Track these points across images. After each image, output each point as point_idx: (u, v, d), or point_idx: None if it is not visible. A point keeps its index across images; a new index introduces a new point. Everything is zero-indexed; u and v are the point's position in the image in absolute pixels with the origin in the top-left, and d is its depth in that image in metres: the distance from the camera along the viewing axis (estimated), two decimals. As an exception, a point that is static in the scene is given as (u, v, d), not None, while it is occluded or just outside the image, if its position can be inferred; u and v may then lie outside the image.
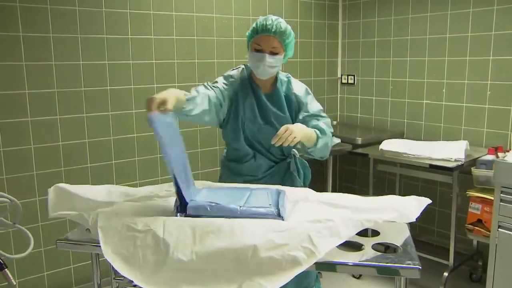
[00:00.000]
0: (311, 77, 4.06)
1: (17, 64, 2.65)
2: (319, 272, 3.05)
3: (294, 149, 2.10)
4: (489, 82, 3.16)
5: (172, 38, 3.20)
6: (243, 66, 2.11)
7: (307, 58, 4.00)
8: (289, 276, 1.24)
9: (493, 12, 3.07)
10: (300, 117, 2.01)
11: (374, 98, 3.99)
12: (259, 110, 2.03)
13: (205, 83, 2.02)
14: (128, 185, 2.32)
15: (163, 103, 1.58)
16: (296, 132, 1.75)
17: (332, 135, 2.03)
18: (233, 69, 2.12)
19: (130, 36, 3.02)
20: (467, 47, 3.25)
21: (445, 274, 2.92)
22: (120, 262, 1.35)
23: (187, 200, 1.52)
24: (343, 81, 4.23)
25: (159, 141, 1.51)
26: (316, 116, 2.01)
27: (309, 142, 1.89)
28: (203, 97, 1.89)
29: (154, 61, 3.14)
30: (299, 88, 2.08)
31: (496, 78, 3.12)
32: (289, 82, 2.08)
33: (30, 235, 2.01)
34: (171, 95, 1.65)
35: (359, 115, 4.14)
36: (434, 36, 3.45)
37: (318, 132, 1.90)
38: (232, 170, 2.13)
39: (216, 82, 2.04)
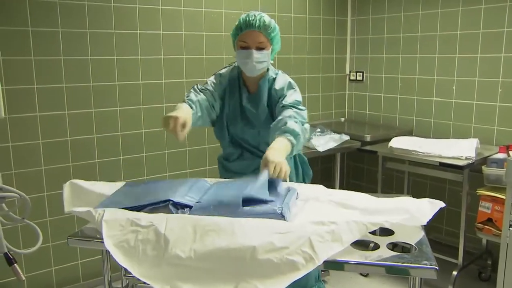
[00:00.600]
0: (319, 74, 4.03)
1: (26, 59, 2.64)
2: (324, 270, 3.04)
3: None
4: (500, 79, 3.12)
5: (180, 33, 3.18)
6: (234, 64, 2.09)
7: (315, 55, 3.97)
8: (287, 281, 1.23)
9: (506, 8, 3.03)
10: (276, 109, 1.95)
11: (382, 95, 3.95)
12: (241, 112, 2.02)
13: (195, 86, 2.01)
14: (136, 181, 2.32)
15: (183, 126, 1.64)
16: (279, 162, 1.60)
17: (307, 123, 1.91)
18: (225, 67, 2.11)
19: (138, 31, 3.00)
20: (478, 44, 3.21)
21: (454, 273, 2.90)
22: (121, 255, 1.36)
23: (174, 199, 1.54)
24: (352, 77, 4.20)
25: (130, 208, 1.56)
26: (290, 106, 1.89)
27: (290, 154, 1.79)
28: (196, 106, 1.90)
29: (162, 57, 3.12)
30: (281, 83, 2.00)
31: (508, 75, 3.08)
32: (274, 79, 2.01)
33: (38, 230, 2.01)
34: (189, 116, 1.71)
35: (367, 112, 4.12)
36: (445, 32, 3.41)
37: (291, 138, 1.75)
38: (225, 167, 2.15)
39: (206, 83, 2.03)
